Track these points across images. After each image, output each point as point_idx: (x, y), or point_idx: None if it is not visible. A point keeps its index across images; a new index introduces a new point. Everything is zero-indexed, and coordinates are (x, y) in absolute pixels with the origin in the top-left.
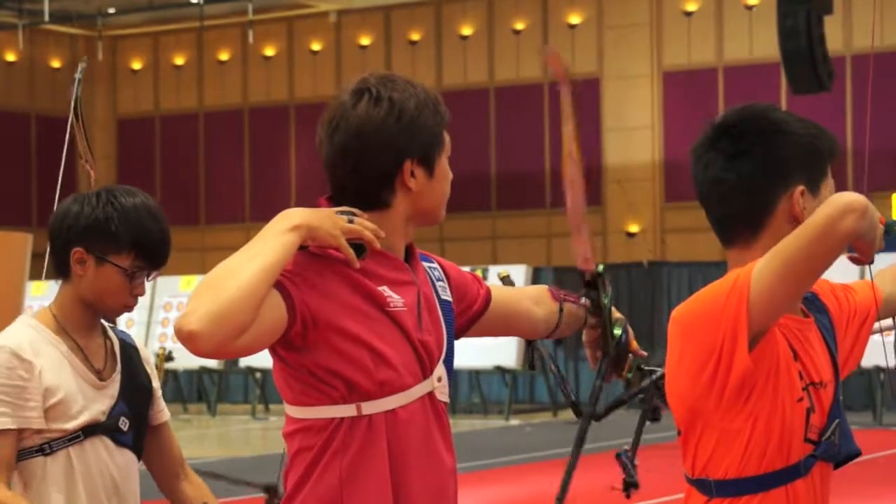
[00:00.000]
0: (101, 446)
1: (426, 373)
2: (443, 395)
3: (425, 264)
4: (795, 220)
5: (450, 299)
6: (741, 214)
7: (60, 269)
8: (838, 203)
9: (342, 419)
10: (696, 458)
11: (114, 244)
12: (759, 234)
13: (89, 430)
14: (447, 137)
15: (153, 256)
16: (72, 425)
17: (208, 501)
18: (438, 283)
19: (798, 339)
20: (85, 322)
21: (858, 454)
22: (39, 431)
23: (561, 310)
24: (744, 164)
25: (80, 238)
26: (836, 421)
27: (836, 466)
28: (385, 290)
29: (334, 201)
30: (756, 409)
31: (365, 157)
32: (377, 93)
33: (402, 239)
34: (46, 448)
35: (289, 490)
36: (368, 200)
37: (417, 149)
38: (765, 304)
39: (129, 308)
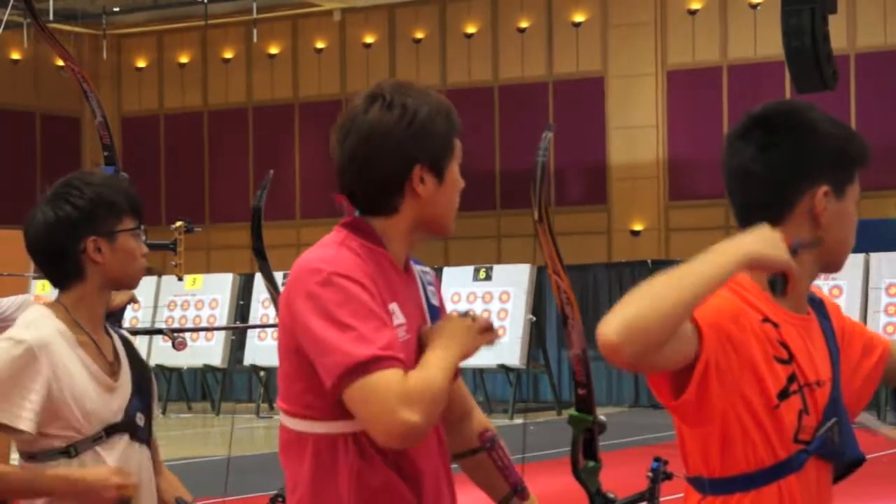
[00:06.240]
0: (122, 444)
1: None
2: None
3: (417, 268)
4: (815, 220)
5: (437, 305)
6: (763, 205)
7: (69, 273)
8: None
9: (344, 434)
10: (687, 456)
11: (115, 215)
12: (777, 227)
13: (110, 430)
14: (459, 145)
15: (140, 211)
16: (90, 427)
17: (181, 496)
18: (429, 288)
19: (798, 336)
20: (97, 316)
21: (863, 460)
22: (61, 433)
23: (475, 451)
24: (772, 156)
25: (88, 228)
26: (833, 420)
27: (842, 475)
28: (396, 312)
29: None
30: (711, 420)
31: (374, 161)
32: (390, 98)
33: (406, 247)
34: (72, 451)
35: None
36: (377, 205)
37: (428, 154)
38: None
39: (144, 270)
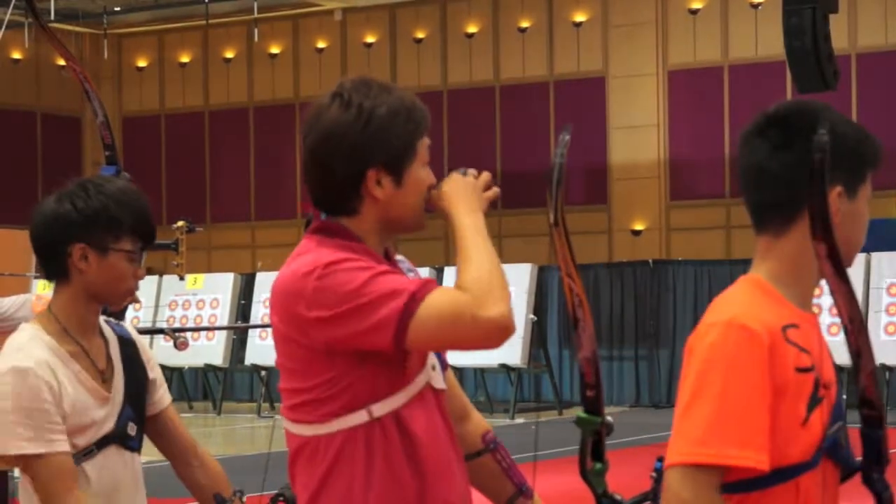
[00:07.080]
0: (113, 456)
1: (422, 364)
2: (439, 382)
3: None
4: None
5: None
6: (777, 204)
7: (56, 271)
8: None
9: (352, 428)
10: None
11: (115, 232)
12: (791, 225)
13: (102, 443)
14: (424, 145)
15: (150, 234)
16: (83, 441)
17: (220, 492)
18: (409, 275)
19: (814, 335)
20: (88, 321)
21: (859, 469)
22: None
23: (478, 453)
24: (787, 155)
25: (80, 234)
26: (840, 423)
27: (841, 480)
28: None
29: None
30: None
31: (331, 162)
32: (348, 98)
33: (378, 244)
34: None
35: None
36: (337, 206)
37: (384, 157)
38: None
39: (133, 292)
